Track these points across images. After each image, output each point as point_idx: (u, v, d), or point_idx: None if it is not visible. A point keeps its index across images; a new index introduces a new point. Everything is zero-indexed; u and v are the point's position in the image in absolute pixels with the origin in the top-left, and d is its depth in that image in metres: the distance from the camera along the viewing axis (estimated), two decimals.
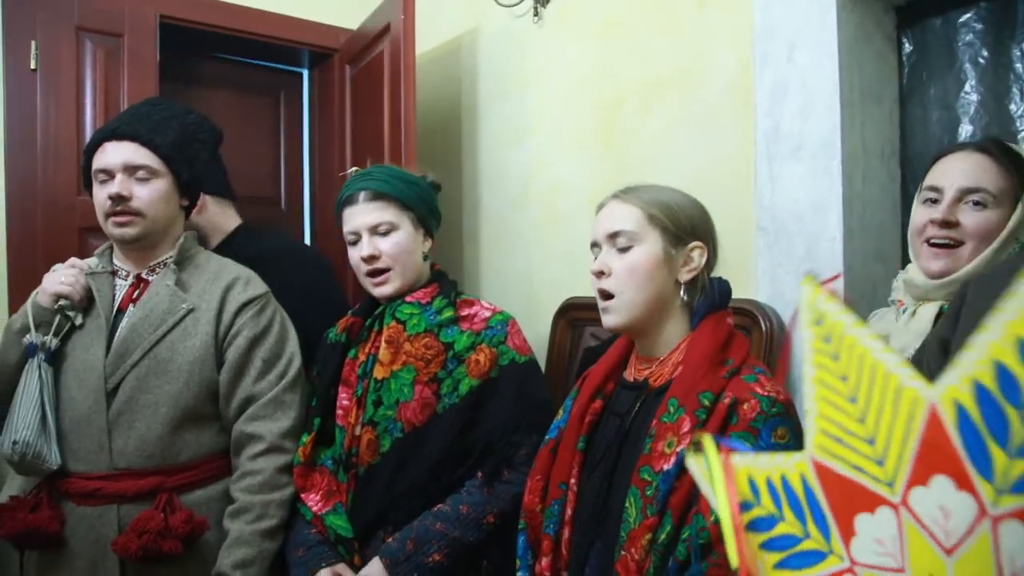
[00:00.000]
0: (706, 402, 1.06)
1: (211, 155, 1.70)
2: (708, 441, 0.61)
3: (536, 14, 2.26)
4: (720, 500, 0.61)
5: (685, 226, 1.18)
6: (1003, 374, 0.44)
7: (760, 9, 1.70)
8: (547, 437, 1.29)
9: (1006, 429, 0.45)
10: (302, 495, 1.52)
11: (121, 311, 1.53)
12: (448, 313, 1.54)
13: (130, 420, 1.45)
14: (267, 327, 1.57)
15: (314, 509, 1.50)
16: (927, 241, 1.20)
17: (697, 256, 1.18)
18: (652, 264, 1.16)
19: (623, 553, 1.05)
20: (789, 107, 1.64)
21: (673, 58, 1.91)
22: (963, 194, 1.17)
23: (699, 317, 1.17)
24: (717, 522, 0.94)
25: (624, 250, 1.17)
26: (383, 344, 1.52)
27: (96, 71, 2.19)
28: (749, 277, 1.71)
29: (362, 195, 1.55)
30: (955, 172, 1.18)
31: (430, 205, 1.63)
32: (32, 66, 2.12)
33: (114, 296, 1.55)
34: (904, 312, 1.26)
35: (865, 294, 1.58)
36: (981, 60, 1.61)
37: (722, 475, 0.61)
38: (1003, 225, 1.14)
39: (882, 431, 0.50)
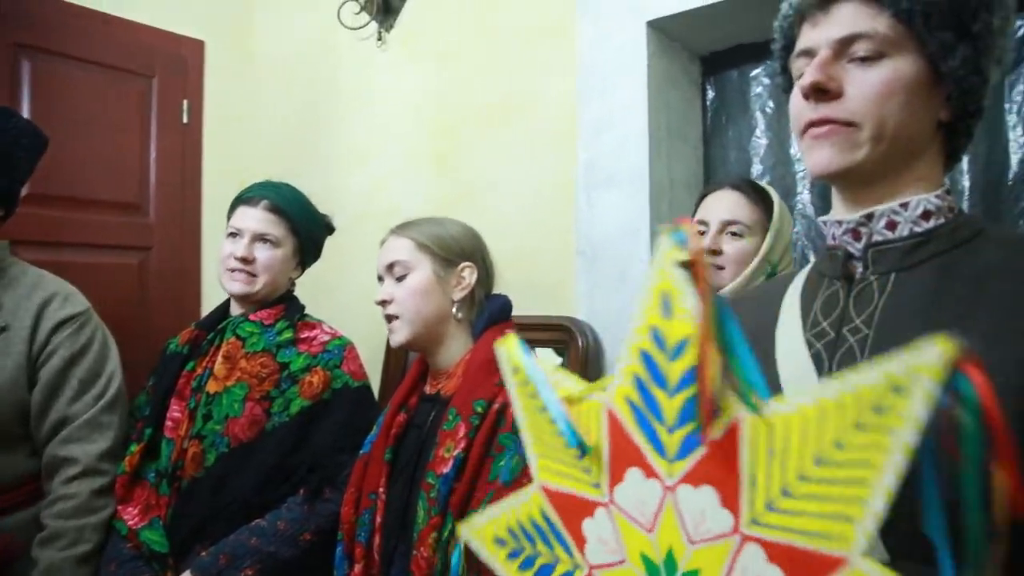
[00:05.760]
0: (479, 409, 1.15)
1: (35, 163, 1.59)
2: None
3: (380, 39, 2.30)
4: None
5: (453, 248, 1.31)
6: (647, 360, 0.52)
7: (582, 50, 1.85)
8: (361, 452, 1.34)
9: (659, 408, 0.52)
10: (119, 507, 1.47)
11: None
12: (287, 334, 1.56)
13: None
14: (86, 346, 1.50)
15: (130, 524, 1.45)
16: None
17: (468, 275, 1.31)
18: (425, 286, 1.28)
19: (414, 552, 1.12)
20: (606, 140, 1.79)
21: (506, 89, 2.02)
22: (724, 226, 1.35)
23: (478, 331, 1.29)
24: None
25: (401, 278, 1.30)
26: (220, 359, 1.52)
27: None
28: (569, 296, 1.82)
29: (263, 202, 1.58)
30: (717, 208, 1.37)
31: (316, 241, 1.69)
32: None
33: None
34: None
35: None
36: (768, 109, 1.83)
37: None
38: (757, 251, 1.32)
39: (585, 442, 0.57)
